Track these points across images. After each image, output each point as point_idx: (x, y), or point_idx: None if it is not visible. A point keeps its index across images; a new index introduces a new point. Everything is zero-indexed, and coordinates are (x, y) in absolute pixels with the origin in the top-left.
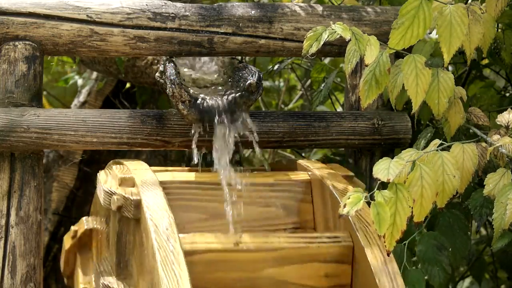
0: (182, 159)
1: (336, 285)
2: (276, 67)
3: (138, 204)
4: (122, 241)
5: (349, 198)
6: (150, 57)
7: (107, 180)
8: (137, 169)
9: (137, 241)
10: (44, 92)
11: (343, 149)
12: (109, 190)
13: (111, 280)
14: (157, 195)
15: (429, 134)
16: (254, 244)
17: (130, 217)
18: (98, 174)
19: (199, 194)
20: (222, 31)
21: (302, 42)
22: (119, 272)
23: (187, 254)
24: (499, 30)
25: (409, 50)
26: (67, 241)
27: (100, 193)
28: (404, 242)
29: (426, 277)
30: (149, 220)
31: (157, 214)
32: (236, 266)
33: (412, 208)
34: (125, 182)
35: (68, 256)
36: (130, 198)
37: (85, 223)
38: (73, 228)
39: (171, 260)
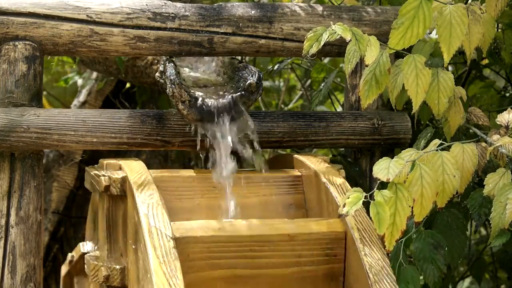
0: (182, 159)
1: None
2: (276, 67)
3: (124, 181)
4: (110, 221)
5: (348, 198)
6: (150, 57)
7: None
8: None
9: (124, 217)
10: (44, 92)
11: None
12: (96, 173)
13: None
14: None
15: (429, 134)
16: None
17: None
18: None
19: (190, 187)
20: (222, 31)
21: (302, 42)
22: (109, 254)
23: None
24: (499, 30)
25: (409, 50)
26: (65, 268)
27: (87, 180)
28: (401, 239)
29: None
30: (136, 196)
31: (143, 190)
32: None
33: (412, 207)
34: (110, 165)
35: (65, 282)
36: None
37: (81, 247)
38: (70, 254)
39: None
